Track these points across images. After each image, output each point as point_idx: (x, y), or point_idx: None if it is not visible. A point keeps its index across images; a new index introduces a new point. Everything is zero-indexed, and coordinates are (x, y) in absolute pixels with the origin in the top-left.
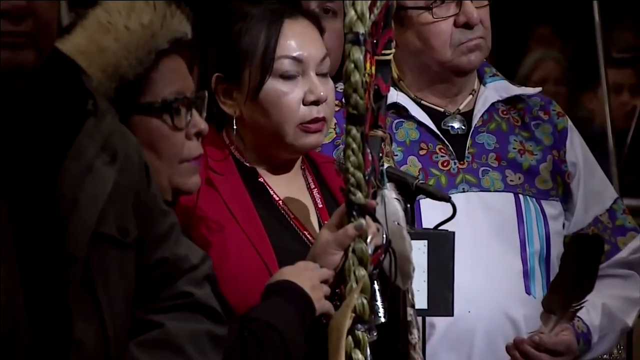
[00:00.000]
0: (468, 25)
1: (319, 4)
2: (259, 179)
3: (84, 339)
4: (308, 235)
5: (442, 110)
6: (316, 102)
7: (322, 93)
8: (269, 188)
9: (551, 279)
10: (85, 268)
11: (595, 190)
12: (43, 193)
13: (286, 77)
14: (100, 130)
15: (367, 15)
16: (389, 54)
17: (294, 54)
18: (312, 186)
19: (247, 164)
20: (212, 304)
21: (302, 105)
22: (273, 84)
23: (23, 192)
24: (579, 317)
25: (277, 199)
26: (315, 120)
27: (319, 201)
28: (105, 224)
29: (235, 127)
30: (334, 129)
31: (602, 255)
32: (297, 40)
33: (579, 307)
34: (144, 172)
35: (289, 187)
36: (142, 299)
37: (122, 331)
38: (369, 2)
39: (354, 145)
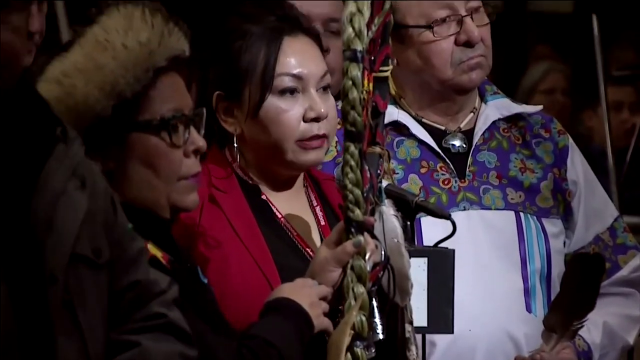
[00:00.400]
0: (469, 44)
1: (323, 24)
2: (262, 196)
3: (67, 358)
4: (310, 252)
5: (443, 128)
6: (317, 119)
7: (322, 110)
8: (271, 205)
9: (552, 297)
10: (64, 288)
11: (596, 209)
12: (18, 216)
13: (286, 94)
14: (69, 155)
15: (365, 33)
16: (386, 71)
17: (294, 71)
18: (315, 203)
19: (250, 182)
20: (184, 326)
21: (302, 122)
22: (273, 101)
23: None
24: (579, 335)
25: (279, 216)
26: (315, 137)
27: (321, 218)
28: (80, 244)
29: (236, 145)
30: (335, 147)
31: (604, 274)
32: (297, 58)
33: (580, 325)
34: (109, 200)
35: (291, 204)
36: (115, 321)
37: (101, 351)
38: (367, 19)
39: (352, 163)
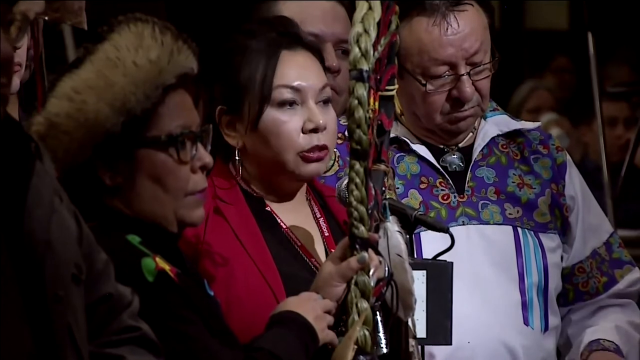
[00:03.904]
0: (460, 101)
1: (335, 45)
2: (266, 208)
3: None
4: (315, 263)
5: (441, 146)
6: (315, 130)
7: (321, 121)
8: (276, 216)
9: (549, 310)
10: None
11: (592, 224)
12: (16, 237)
13: (285, 106)
14: (46, 171)
15: (371, 53)
16: (392, 90)
17: (293, 84)
18: (318, 215)
19: (254, 194)
20: (154, 338)
21: (301, 134)
22: (272, 113)
23: None
24: (600, 339)
25: (284, 227)
26: (316, 148)
27: (325, 229)
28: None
29: (238, 157)
30: (337, 161)
31: None
32: (296, 70)
33: None
34: (72, 212)
35: (295, 215)
36: (89, 334)
37: None
38: (373, 39)
39: (358, 180)
